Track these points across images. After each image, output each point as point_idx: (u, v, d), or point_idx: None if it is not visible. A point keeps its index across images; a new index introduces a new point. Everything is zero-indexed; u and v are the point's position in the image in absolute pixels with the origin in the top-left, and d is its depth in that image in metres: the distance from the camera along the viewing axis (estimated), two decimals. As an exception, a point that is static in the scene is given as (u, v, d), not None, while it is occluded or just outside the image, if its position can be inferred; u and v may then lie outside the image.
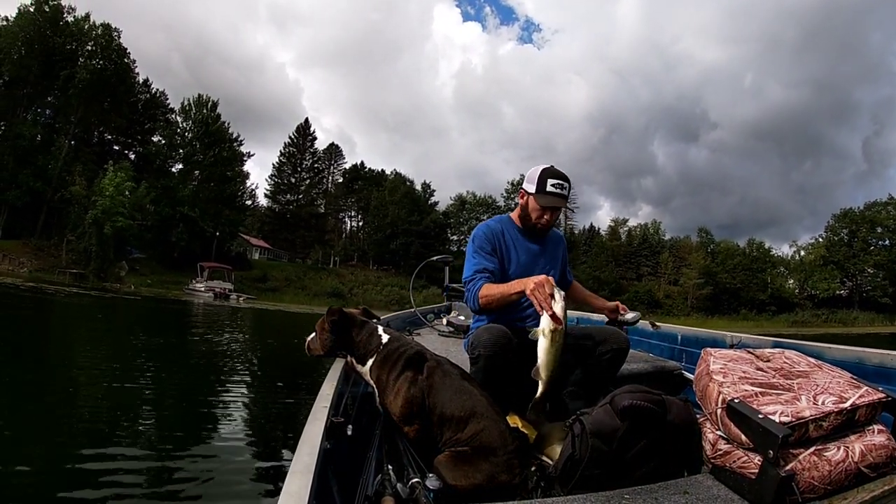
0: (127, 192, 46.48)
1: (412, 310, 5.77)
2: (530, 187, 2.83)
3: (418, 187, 77.98)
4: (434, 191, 78.67)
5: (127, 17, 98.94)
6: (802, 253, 74.51)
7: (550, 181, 2.77)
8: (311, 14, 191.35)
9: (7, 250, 45.51)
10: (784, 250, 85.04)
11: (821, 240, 72.30)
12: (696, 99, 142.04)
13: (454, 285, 6.28)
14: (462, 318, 5.42)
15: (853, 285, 70.98)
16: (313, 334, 2.54)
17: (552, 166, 2.84)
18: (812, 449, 1.57)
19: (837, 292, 70.63)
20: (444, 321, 5.62)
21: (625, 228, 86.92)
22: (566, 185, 2.81)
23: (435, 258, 6.60)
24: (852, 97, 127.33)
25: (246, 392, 8.35)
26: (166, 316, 24.53)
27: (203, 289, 46.99)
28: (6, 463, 4.49)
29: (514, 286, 2.45)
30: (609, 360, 2.64)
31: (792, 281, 75.20)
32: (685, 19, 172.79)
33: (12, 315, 17.52)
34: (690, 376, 2.98)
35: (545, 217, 2.87)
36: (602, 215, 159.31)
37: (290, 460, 1.32)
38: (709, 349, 2.06)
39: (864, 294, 69.44)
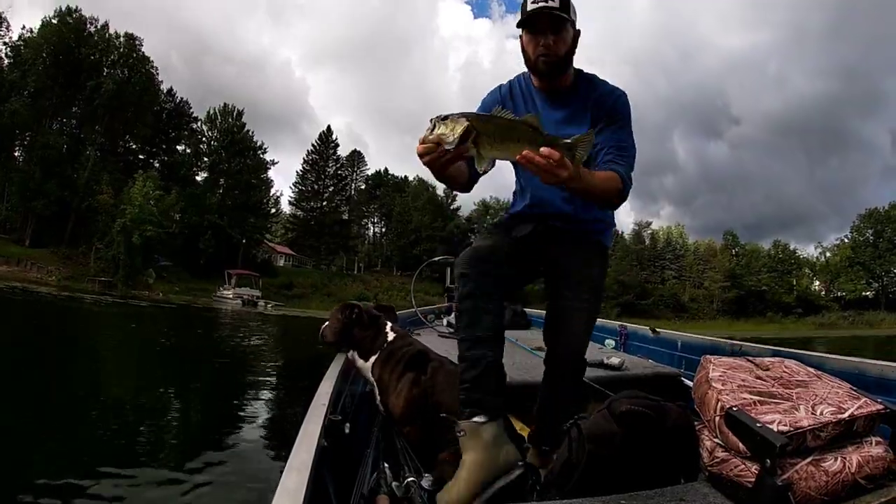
0: (152, 202, 47.08)
1: (412, 309, 5.78)
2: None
3: (440, 193, 78.04)
4: (456, 196, 78.36)
5: (123, 15, 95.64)
6: (828, 254, 73.77)
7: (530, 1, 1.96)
8: (312, 5, 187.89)
9: (35, 259, 46.43)
10: (810, 251, 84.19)
11: (846, 240, 71.54)
12: (717, 91, 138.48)
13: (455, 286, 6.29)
14: None
15: (879, 286, 69.87)
16: (327, 322, 2.57)
17: None
18: (809, 459, 1.55)
19: (864, 294, 69.72)
20: (445, 322, 5.64)
21: (648, 231, 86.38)
22: None
23: (437, 258, 6.61)
24: (881, 87, 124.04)
25: (273, 395, 8.63)
26: (201, 323, 24.97)
27: (231, 296, 47.50)
28: (34, 459, 4.76)
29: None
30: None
31: (818, 283, 74.44)
32: (702, 1, 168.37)
33: (58, 324, 18.17)
34: (689, 383, 2.95)
35: (540, 46, 2.01)
36: (622, 215, 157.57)
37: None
38: (708, 356, 2.04)
39: (891, 295, 68.36)
